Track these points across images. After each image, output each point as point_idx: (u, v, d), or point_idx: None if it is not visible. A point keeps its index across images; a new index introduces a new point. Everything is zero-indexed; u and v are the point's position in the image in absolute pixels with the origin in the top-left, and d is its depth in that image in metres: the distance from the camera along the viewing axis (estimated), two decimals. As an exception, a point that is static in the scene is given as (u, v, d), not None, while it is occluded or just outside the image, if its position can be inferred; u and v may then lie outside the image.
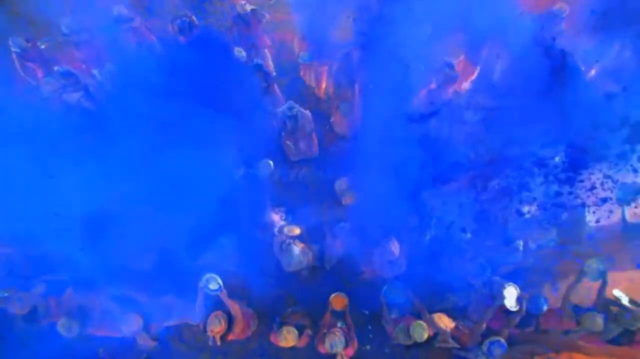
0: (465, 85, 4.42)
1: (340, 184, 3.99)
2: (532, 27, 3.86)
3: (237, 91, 4.15)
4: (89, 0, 4.49)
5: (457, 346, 3.19)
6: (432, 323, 3.17)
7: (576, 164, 3.61)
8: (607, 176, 3.64)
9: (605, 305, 3.21)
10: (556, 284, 3.62)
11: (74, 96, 4.13)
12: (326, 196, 4.27)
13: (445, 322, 3.25)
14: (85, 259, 3.49)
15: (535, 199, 3.66)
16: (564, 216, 3.66)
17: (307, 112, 4.19)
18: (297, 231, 3.55)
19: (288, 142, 4.45)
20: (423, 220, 3.77)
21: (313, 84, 5.09)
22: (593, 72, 3.94)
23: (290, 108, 4.00)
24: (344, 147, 4.66)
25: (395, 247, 3.46)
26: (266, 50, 4.90)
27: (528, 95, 3.62)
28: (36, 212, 3.40)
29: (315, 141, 4.57)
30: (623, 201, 3.70)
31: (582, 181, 3.63)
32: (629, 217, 3.77)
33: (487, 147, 3.79)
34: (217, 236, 3.77)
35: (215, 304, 3.24)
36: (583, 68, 3.79)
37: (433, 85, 4.09)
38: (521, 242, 3.57)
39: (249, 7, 4.52)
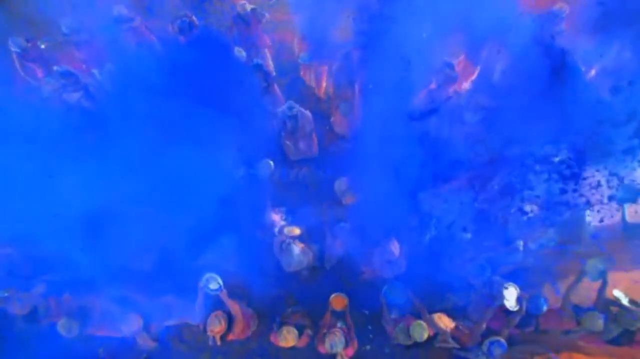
0: (466, 85, 4.42)
1: (340, 184, 3.99)
2: (532, 27, 3.86)
3: (237, 90, 4.15)
4: (89, 0, 4.49)
5: (457, 346, 3.18)
6: (432, 323, 3.17)
7: (580, 162, 3.58)
8: (612, 173, 3.62)
9: (606, 305, 3.21)
10: (556, 284, 3.62)
11: (74, 96, 4.13)
12: (326, 196, 4.27)
13: (445, 322, 3.24)
14: (85, 259, 3.49)
15: (538, 197, 3.65)
16: (567, 215, 3.65)
17: (307, 112, 4.19)
18: (297, 231, 3.55)
19: (288, 142, 4.45)
20: (423, 220, 3.77)
21: (313, 84, 5.09)
22: (593, 72, 3.93)
23: (290, 108, 4.00)
24: (344, 147, 4.66)
25: (395, 247, 3.46)
26: (266, 50, 4.91)
27: (528, 94, 3.61)
28: (36, 212, 3.40)
29: (315, 140, 4.57)
30: (627, 201, 3.69)
31: (585, 178, 3.61)
32: (629, 217, 3.77)
33: (487, 147, 3.78)
34: (217, 236, 3.77)
35: (215, 304, 3.24)
36: (583, 68, 3.78)
37: (433, 86, 4.09)
38: (521, 243, 3.57)
39: (249, 7, 4.53)
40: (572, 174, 3.62)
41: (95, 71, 4.54)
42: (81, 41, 4.49)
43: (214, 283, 3.12)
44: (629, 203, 3.65)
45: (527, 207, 3.68)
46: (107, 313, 3.44)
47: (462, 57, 4.38)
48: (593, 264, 3.21)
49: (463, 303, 3.57)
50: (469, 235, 3.72)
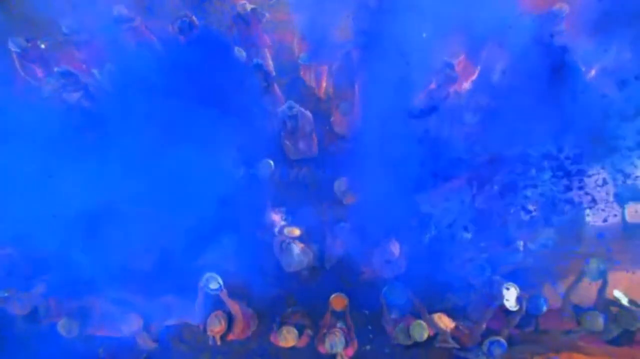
0: (466, 85, 4.41)
1: (340, 184, 3.98)
2: (532, 27, 3.86)
3: (237, 90, 4.15)
4: (89, 0, 4.49)
5: (457, 346, 3.18)
6: (432, 323, 3.17)
7: (584, 160, 3.57)
8: (618, 170, 3.60)
9: (606, 305, 3.21)
10: (556, 284, 3.62)
11: (74, 96, 4.13)
12: (326, 196, 4.27)
13: (445, 322, 3.24)
14: (85, 259, 3.49)
15: (541, 195, 3.64)
16: (570, 213, 3.64)
17: (307, 112, 4.18)
18: (297, 232, 3.55)
19: (288, 142, 4.45)
20: (423, 220, 3.77)
21: (313, 84, 5.09)
22: (593, 72, 3.93)
23: (290, 108, 4.00)
24: (343, 147, 4.66)
25: (395, 247, 3.46)
26: (266, 50, 4.91)
27: (529, 94, 3.61)
28: (36, 212, 3.40)
29: (315, 140, 4.57)
30: (629, 200, 3.69)
31: (590, 176, 3.59)
32: (629, 217, 3.77)
33: (487, 147, 3.78)
34: (217, 236, 3.77)
35: (215, 304, 3.24)
36: (584, 68, 3.78)
37: (433, 86, 4.09)
38: (521, 243, 3.57)
39: (249, 7, 4.53)
40: (575, 171, 3.61)
41: (95, 71, 4.54)
42: (81, 41, 4.49)
43: (214, 282, 3.12)
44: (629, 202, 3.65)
45: (530, 206, 3.68)
46: (107, 313, 3.43)
47: (462, 57, 4.38)
48: (593, 264, 3.21)
49: (463, 303, 3.57)
50: (469, 235, 3.72)
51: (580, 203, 3.70)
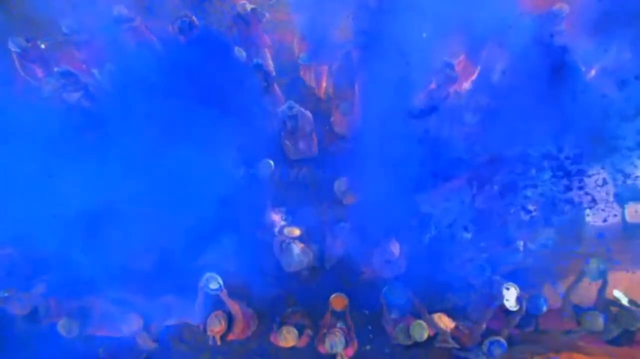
0: (466, 85, 4.41)
1: (340, 184, 3.98)
2: (532, 27, 3.86)
3: (237, 90, 4.15)
4: (89, 0, 4.49)
5: (457, 346, 3.18)
6: (432, 323, 3.17)
7: (583, 159, 3.56)
8: (618, 170, 3.60)
9: (606, 305, 3.21)
10: (556, 284, 3.62)
11: (74, 96, 4.13)
12: (326, 196, 4.27)
13: (445, 322, 3.24)
14: (85, 259, 3.49)
15: (541, 195, 3.64)
16: (570, 213, 3.64)
17: (307, 112, 4.18)
18: (297, 232, 3.55)
19: (288, 142, 4.45)
20: (423, 220, 3.77)
21: (313, 84, 5.09)
22: (593, 72, 3.93)
23: (290, 108, 4.00)
24: (343, 147, 4.66)
25: (395, 247, 3.46)
26: (266, 50, 4.91)
27: (529, 94, 3.61)
28: (36, 212, 3.40)
29: (315, 140, 4.57)
30: (629, 200, 3.68)
31: (590, 176, 3.59)
32: (629, 217, 3.77)
33: (487, 147, 3.78)
34: (217, 236, 3.77)
35: (215, 304, 3.24)
36: (584, 68, 3.78)
37: (433, 86, 4.09)
38: (521, 243, 3.57)
39: (249, 7, 4.53)
40: (575, 171, 3.61)
41: (95, 71, 4.54)
42: (81, 41, 4.49)
43: (214, 282, 3.12)
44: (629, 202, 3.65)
45: (530, 206, 3.67)
46: (107, 313, 3.43)
47: (462, 57, 4.38)
48: (593, 264, 3.21)
49: (463, 303, 3.57)
50: (469, 235, 3.72)
51: (580, 203, 3.70)
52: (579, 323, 3.13)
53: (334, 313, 3.36)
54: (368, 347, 3.99)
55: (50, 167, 3.55)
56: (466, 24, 4.00)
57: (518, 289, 3.06)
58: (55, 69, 4.10)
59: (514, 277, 3.23)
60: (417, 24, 3.88)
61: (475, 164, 3.81)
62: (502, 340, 2.99)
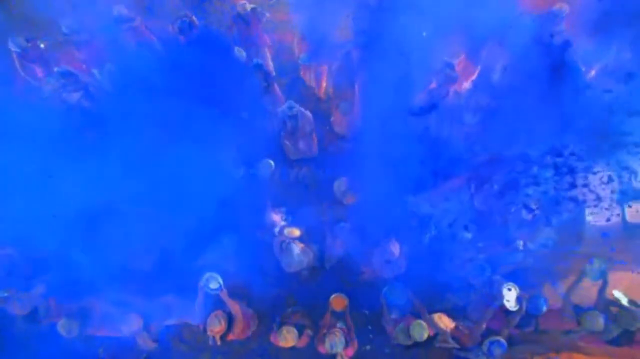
0: (466, 85, 4.41)
1: (340, 184, 3.98)
2: (532, 26, 3.85)
3: (237, 90, 4.15)
4: (89, 0, 4.49)
5: (457, 346, 3.18)
6: (432, 323, 3.17)
7: (582, 161, 3.55)
8: (622, 168, 3.58)
9: (606, 305, 3.21)
10: (556, 284, 3.61)
11: (74, 96, 4.13)
12: (326, 196, 4.27)
13: (445, 322, 3.24)
14: (85, 259, 3.49)
15: (544, 193, 3.62)
16: (573, 212, 3.62)
17: (307, 112, 4.18)
18: (297, 232, 3.55)
19: (288, 142, 4.45)
20: (423, 220, 3.76)
21: (313, 84, 5.09)
22: (593, 72, 3.93)
23: (290, 108, 4.00)
24: (343, 147, 4.66)
25: (395, 247, 3.46)
26: (266, 50, 4.91)
27: (529, 94, 3.61)
28: (36, 212, 3.40)
29: (315, 140, 4.57)
30: (630, 199, 3.67)
31: (595, 173, 3.55)
32: (629, 217, 3.77)
33: (487, 146, 3.78)
34: (217, 236, 3.77)
35: (215, 304, 3.24)
36: (584, 68, 3.78)
37: (433, 85, 4.09)
38: (521, 243, 3.57)
39: (249, 7, 4.53)
40: (575, 171, 3.59)
41: (95, 71, 4.54)
42: (81, 41, 4.49)
43: (214, 282, 3.12)
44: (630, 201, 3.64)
45: (532, 205, 3.65)
46: (107, 313, 3.44)
47: (462, 57, 4.38)
48: (594, 265, 3.21)
49: (463, 303, 3.57)
50: (470, 234, 3.72)
51: (583, 201, 3.68)
52: (579, 323, 3.13)
53: (334, 313, 3.36)
54: (368, 347, 3.99)
55: (50, 167, 3.55)
56: (466, 23, 4.00)
57: (518, 289, 3.06)
58: (55, 69, 4.10)
59: (514, 277, 3.23)
60: (417, 23, 3.88)
61: (475, 164, 3.81)
62: (502, 340, 2.99)
